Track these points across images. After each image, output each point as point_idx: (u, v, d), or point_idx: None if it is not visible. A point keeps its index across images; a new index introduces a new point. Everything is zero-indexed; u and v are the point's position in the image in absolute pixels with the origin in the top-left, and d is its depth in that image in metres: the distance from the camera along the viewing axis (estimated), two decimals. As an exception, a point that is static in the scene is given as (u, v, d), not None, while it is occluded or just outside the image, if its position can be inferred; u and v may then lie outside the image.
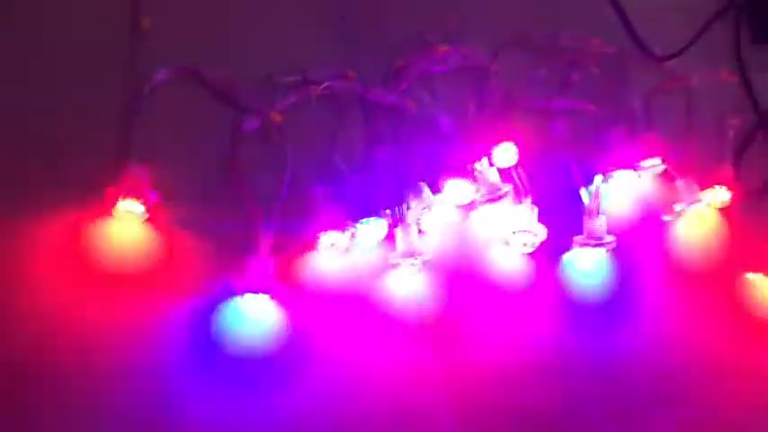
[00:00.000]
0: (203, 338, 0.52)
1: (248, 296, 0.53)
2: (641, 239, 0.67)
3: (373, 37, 0.63)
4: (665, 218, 0.68)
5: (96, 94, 0.54)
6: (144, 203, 0.51)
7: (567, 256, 0.63)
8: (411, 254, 0.57)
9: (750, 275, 0.69)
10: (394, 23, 0.64)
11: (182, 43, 0.57)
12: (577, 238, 0.63)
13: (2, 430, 0.47)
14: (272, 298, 0.53)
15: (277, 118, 0.56)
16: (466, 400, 0.56)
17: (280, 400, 0.52)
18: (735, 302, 0.68)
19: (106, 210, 0.52)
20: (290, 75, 0.59)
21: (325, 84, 0.59)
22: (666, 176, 0.68)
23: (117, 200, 0.51)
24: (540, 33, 0.68)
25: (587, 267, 0.63)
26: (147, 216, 0.52)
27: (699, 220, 0.68)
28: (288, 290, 0.54)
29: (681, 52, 0.69)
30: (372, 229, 0.57)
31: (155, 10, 0.56)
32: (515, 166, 0.62)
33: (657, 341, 0.64)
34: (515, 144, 0.61)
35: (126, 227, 0.52)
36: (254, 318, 0.53)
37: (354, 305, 0.56)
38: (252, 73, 0.58)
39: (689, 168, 0.67)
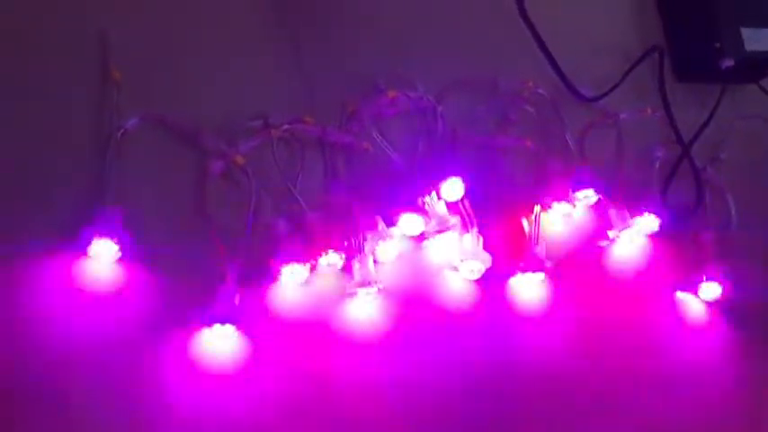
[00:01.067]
0: (176, 369, 0.56)
1: (216, 326, 0.57)
2: (579, 264, 0.73)
3: (329, 83, 0.68)
4: (601, 243, 0.74)
5: (69, 140, 0.58)
6: (117, 243, 0.55)
7: (512, 281, 0.69)
8: (367, 283, 0.61)
9: (680, 295, 0.76)
10: (346, 72, 0.69)
11: (150, 92, 0.61)
12: (521, 265, 0.69)
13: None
14: (237, 328, 0.57)
15: (240, 160, 0.61)
16: (419, 411, 0.61)
17: (244, 418, 0.56)
18: (667, 318, 0.75)
19: (81, 251, 0.55)
20: (251, 120, 0.63)
21: (285, 126, 0.63)
22: (600, 206, 0.74)
23: (91, 241, 0.54)
24: (479, 78, 0.73)
25: (529, 290, 0.69)
26: (119, 255, 0.56)
27: (630, 245, 0.75)
28: (253, 319, 0.58)
29: (607, 93, 0.76)
30: (330, 259, 0.61)
31: (123, 62, 0.60)
32: (461, 199, 0.68)
33: (596, 355, 0.69)
34: (461, 179, 0.66)
35: (100, 266, 0.56)
36: (220, 347, 0.57)
37: (315, 331, 0.60)
38: (216, 118, 0.62)
39: (620, 198, 0.74)
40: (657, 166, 0.78)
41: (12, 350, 0.52)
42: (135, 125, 0.59)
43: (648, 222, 0.74)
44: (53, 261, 0.54)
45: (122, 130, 0.58)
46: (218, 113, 0.63)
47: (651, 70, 0.82)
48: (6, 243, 0.54)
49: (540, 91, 0.74)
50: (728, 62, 0.78)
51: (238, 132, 0.62)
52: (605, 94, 0.76)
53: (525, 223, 0.70)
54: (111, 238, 0.55)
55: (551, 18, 0.77)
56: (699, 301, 0.76)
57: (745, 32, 0.78)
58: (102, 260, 0.55)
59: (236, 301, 0.57)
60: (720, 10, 0.79)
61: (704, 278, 0.75)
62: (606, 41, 0.82)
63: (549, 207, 0.72)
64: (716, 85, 0.82)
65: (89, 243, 0.54)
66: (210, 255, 0.58)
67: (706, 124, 0.80)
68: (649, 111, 0.79)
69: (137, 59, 0.61)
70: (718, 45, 0.78)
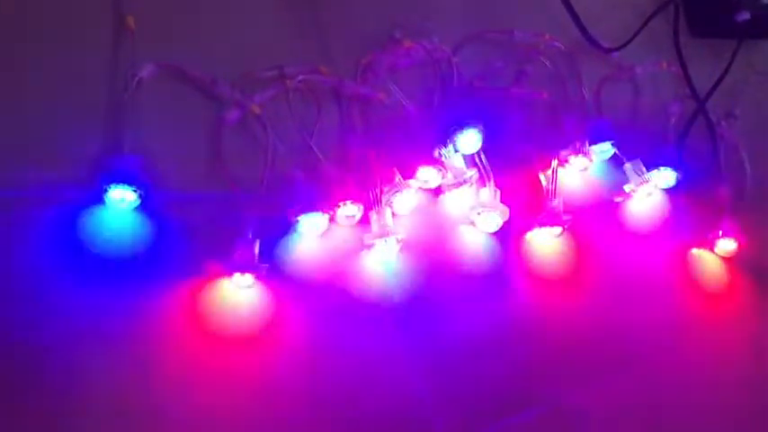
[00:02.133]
0: (194, 319, 0.56)
1: (235, 276, 0.57)
2: (595, 218, 0.73)
3: (344, 35, 0.67)
4: (617, 199, 0.74)
5: (84, 89, 0.57)
6: (136, 190, 0.55)
7: (528, 235, 0.69)
8: (385, 234, 0.61)
9: (695, 251, 0.76)
10: (362, 23, 0.69)
11: (164, 41, 0.60)
12: (537, 219, 0.69)
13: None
14: (256, 277, 0.57)
15: (256, 109, 0.60)
16: (437, 370, 0.61)
17: (260, 376, 0.56)
18: (683, 274, 0.75)
19: (99, 198, 0.55)
20: (267, 70, 0.63)
21: (300, 77, 0.63)
22: (616, 160, 0.74)
23: (109, 187, 0.54)
24: (495, 31, 0.73)
25: (546, 244, 0.69)
26: (138, 203, 0.56)
27: (646, 200, 0.75)
28: (271, 269, 0.58)
29: (625, 45, 0.76)
30: (347, 211, 0.61)
31: (137, 9, 0.59)
32: (478, 152, 0.67)
33: (612, 310, 0.69)
34: (478, 131, 0.66)
35: (118, 213, 0.56)
36: (240, 296, 0.57)
37: (332, 283, 0.61)
38: (231, 69, 0.62)
39: (635, 152, 0.74)
40: (673, 120, 0.78)
41: (31, 299, 0.52)
42: (150, 73, 0.59)
43: (665, 177, 0.74)
44: (71, 209, 0.54)
45: (137, 78, 0.58)
46: (233, 64, 0.62)
47: (666, 25, 0.81)
48: (24, 191, 0.54)
49: (557, 44, 0.74)
50: (745, 15, 0.78)
51: (254, 83, 0.62)
52: (623, 46, 0.76)
53: (542, 178, 0.69)
54: (130, 184, 0.54)
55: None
56: (715, 256, 0.76)
57: (762, -14, 0.78)
58: (120, 207, 0.55)
59: (255, 250, 0.57)
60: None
61: (720, 233, 0.75)
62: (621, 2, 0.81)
63: (566, 161, 0.72)
64: (731, 40, 0.82)
65: (107, 190, 0.54)
66: (228, 204, 0.58)
67: (721, 79, 0.79)
68: (665, 65, 0.79)
69: (152, 7, 0.60)
70: (734, -2, 0.78)
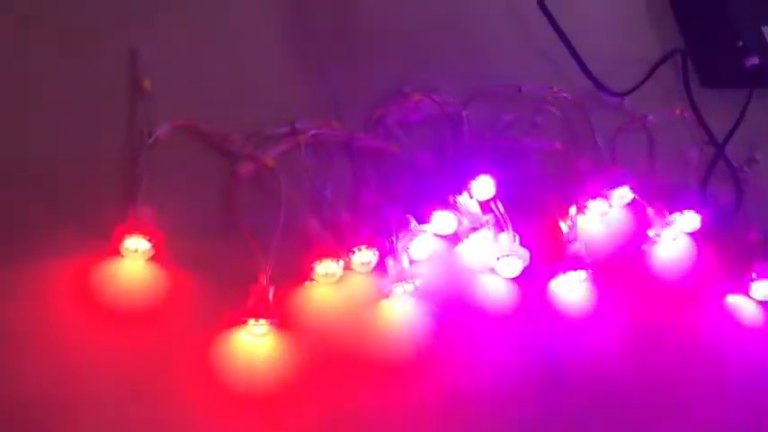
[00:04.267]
0: (210, 369, 0.55)
1: (250, 322, 0.56)
2: (621, 264, 0.72)
3: (355, 93, 0.70)
4: (643, 246, 0.73)
5: (101, 146, 0.60)
6: (150, 240, 0.56)
7: (552, 282, 0.68)
8: (402, 280, 0.61)
9: (731, 298, 0.74)
10: (371, 79, 0.72)
11: (180, 102, 0.63)
12: (560, 264, 0.68)
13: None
14: (271, 324, 0.57)
15: (270, 163, 0.62)
16: (462, 424, 0.59)
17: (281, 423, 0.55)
18: (718, 319, 0.73)
19: (114, 249, 0.56)
20: (279, 126, 0.65)
21: (312, 132, 0.65)
22: (636, 206, 0.74)
23: (124, 238, 0.55)
24: (504, 85, 0.75)
25: (572, 291, 0.68)
26: (152, 253, 0.57)
27: (674, 244, 0.74)
28: (286, 316, 0.58)
29: (635, 89, 0.77)
30: (362, 257, 0.61)
31: (153, 71, 0.63)
32: (493, 199, 0.68)
33: (645, 358, 0.67)
34: (492, 177, 0.67)
35: (133, 264, 0.56)
36: (257, 343, 0.57)
37: (349, 332, 0.60)
38: (244, 126, 0.64)
39: (656, 197, 0.74)
40: (693, 167, 0.78)
41: (46, 352, 0.52)
42: (166, 132, 0.61)
43: (689, 220, 0.73)
44: (87, 261, 0.55)
45: (154, 137, 0.60)
46: (246, 121, 0.65)
47: (675, 76, 0.83)
48: (41, 243, 0.55)
49: (565, 95, 0.76)
50: (753, 60, 0.80)
51: (266, 139, 0.64)
52: (632, 90, 0.78)
53: (562, 224, 0.69)
54: (144, 234, 0.56)
55: (568, 32, 0.80)
56: (750, 300, 0.74)
57: (766, 31, 0.80)
58: (135, 258, 0.56)
59: (270, 296, 0.57)
60: (739, 10, 0.81)
61: (754, 276, 0.74)
62: (626, 52, 0.84)
63: (585, 207, 0.72)
64: (742, 89, 0.83)
65: (121, 240, 0.55)
66: (242, 256, 0.58)
67: (737, 125, 0.80)
68: (678, 111, 0.80)
69: (167, 70, 0.63)
70: (740, 43, 0.80)
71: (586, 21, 0.81)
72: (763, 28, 0.80)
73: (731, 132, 0.80)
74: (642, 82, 0.78)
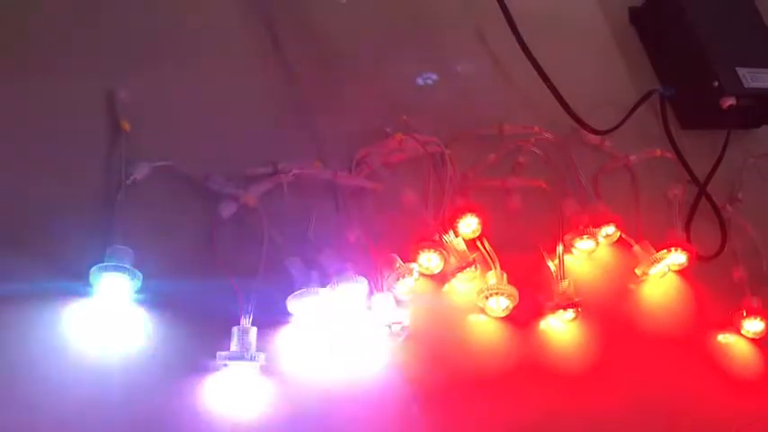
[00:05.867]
0: (192, 411, 0.53)
1: (233, 365, 0.55)
2: (609, 302, 0.71)
3: (338, 132, 0.70)
4: (630, 285, 0.73)
5: (80, 186, 0.59)
6: (130, 279, 0.54)
7: (542, 322, 0.67)
8: (389, 321, 0.60)
9: (721, 336, 0.74)
10: (353, 120, 0.72)
11: (159, 141, 0.63)
12: (549, 303, 0.67)
13: None
14: (256, 365, 0.55)
15: (252, 201, 0.61)
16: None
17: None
18: (709, 361, 0.72)
19: (93, 289, 0.55)
20: (261, 166, 0.65)
21: (295, 171, 0.65)
22: (622, 244, 0.74)
23: (102, 278, 0.54)
24: (485, 126, 0.76)
25: (560, 329, 0.67)
26: (132, 294, 0.55)
27: (661, 282, 0.74)
28: (270, 357, 0.56)
29: (616, 128, 0.78)
30: (348, 292, 0.60)
31: (133, 113, 0.62)
32: (480, 237, 0.68)
33: (636, 401, 0.66)
34: (478, 216, 0.67)
35: (112, 305, 0.55)
36: (240, 385, 0.55)
37: (335, 371, 0.58)
38: (225, 167, 0.63)
39: (641, 235, 0.74)
40: (677, 203, 0.79)
41: (21, 394, 0.50)
42: (144, 172, 0.60)
43: (676, 258, 0.74)
44: (64, 302, 0.54)
45: (132, 178, 0.59)
46: (227, 162, 0.64)
47: (652, 117, 0.85)
48: (17, 284, 0.53)
49: (548, 135, 0.77)
50: (730, 100, 0.81)
51: (248, 179, 0.64)
52: (615, 128, 0.79)
53: (549, 263, 0.69)
54: (123, 272, 0.54)
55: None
56: (742, 338, 0.74)
57: (741, 72, 0.82)
58: (113, 299, 0.55)
59: (253, 338, 0.56)
60: (714, 52, 0.83)
61: (744, 314, 0.74)
62: (602, 94, 0.85)
63: (572, 245, 0.72)
64: (721, 130, 0.84)
65: (99, 281, 0.54)
66: (224, 296, 0.57)
67: (717, 164, 0.81)
68: (659, 152, 0.81)
69: (146, 114, 0.63)
70: (716, 83, 0.81)
71: (563, 65, 0.82)
72: (737, 69, 0.82)
73: (712, 172, 0.81)
74: (623, 120, 0.80)
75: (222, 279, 0.58)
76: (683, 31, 0.86)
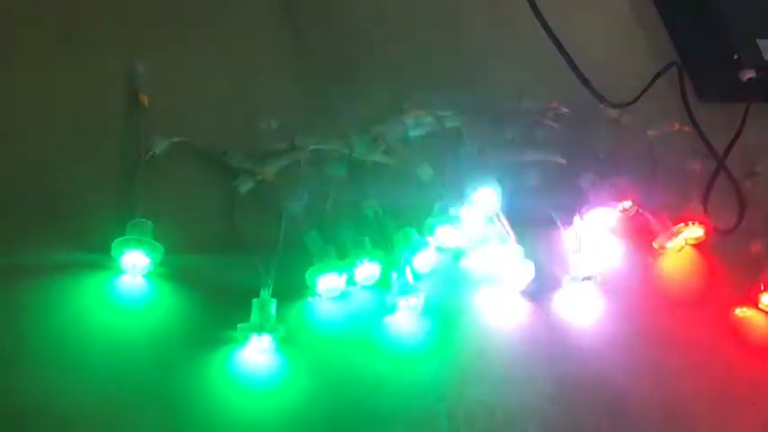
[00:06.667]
0: (213, 384, 0.54)
1: (253, 338, 0.56)
2: (626, 277, 0.72)
3: (355, 108, 0.70)
4: (649, 259, 0.73)
5: (99, 161, 0.60)
6: (149, 255, 0.55)
7: (557, 294, 0.67)
8: (407, 294, 0.61)
9: (739, 310, 0.74)
10: (372, 95, 0.72)
11: (178, 116, 0.63)
12: (566, 277, 0.68)
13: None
14: (275, 339, 0.56)
15: (269, 175, 0.62)
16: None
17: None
18: (727, 335, 0.72)
19: (112, 263, 0.56)
20: (278, 142, 0.65)
21: (312, 146, 0.65)
22: (640, 218, 0.74)
23: (123, 252, 0.55)
24: (502, 101, 0.76)
25: (578, 303, 0.68)
26: (152, 269, 0.56)
27: (678, 256, 0.74)
28: (290, 331, 0.57)
29: (635, 101, 0.78)
30: (367, 270, 0.61)
31: (151, 88, 0.63)
32: (496, 212, 0.68)
33: (653, 374, 0.66)
34: (495, 188, 0.67)
35: (131, 279, 0.56)
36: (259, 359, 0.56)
37: (353, 343, 0.59)
38: (242, 143, 0.64)
39: (660, 209, 0.74)
40: (695, 177, 0.78)
41: (39, 367, 0.51)
42: (163, 147, 0.61)
43: (693, 232, 0.74)
44: (84, 276, 0.55)
45: (152, 153, 0.60)
46: (244, 138, 0.65)
47: (670, 91, 0.84)
48: (38, 258, 0.55)
49: (564, 110, 0.76)
50: (749, 73, 0.81)
51: (265, 154, 0.64)
52: (633, 101, 0.78)
53: (566, 236, 0.69)
54: (143, 248, 0.55)
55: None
56: (761, 313, 0.74)
57: (762, 44, 0.81)
58: (133, 273, 0.56)
59: (273, 311, 0.56)
60: (733, 24, 0.82)
61: (762, 287, 0.73)
62: (620, 70, 0.85)
63: (589, 219, 0.72)
64: (740, 103, 0.84)
65: (121, 255, 0.55)
66: (243, 269, 0.58)
67: (736, 138, 0.81)
68: (677, 126, 0.81)
69: (166, 84, 0.63)
70: (736, 57, 0.81)
71: (579, 37, 0.81)
72: (758, 41, 0.81)
73: (731, 145, 0.80)
74: (642, 92, 0.79)
75: (242, 252, 0.59)
76: (702, 3, 0.85)
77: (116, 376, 0.53)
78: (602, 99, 0.77)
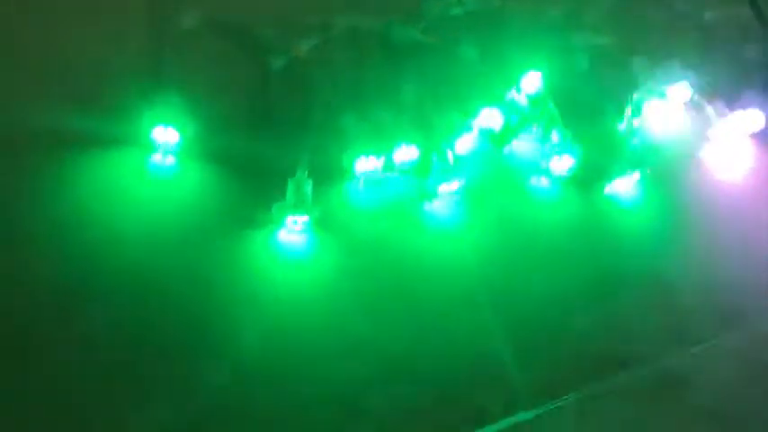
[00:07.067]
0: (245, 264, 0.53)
1: (289, 218, 0.54)
2: (681, 166, 0.68)
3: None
4: (705, 144, 0.69)
5: (128, 35, 0.57)
6: (180, 129, 0.53)
7: (607, 185, 0.64)
8: (446, 180, 0.58)
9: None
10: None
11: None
12: (616, 166, 0.64)
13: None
14: (310, 220, 0.54)
15: (302, 53, 0.59)
16: (521, 326, 0.55)
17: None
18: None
19: (143, 136, 0.54)
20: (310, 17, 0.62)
21: (347, 23, 0.62)
22: (695, 105, 0.70)
23: (153, 125, 0.53)
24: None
25: (629, 192, 0.65)
26: (181, 145, 0.54)
27: (735, 146, 0.70)
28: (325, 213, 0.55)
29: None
30: (404, 154, 0.58)
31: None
32: (544, 96, 0.64)
33: (709, 265, 0.63)
34: (541, 72, 0.63)
35: (162, 154, 0.54)
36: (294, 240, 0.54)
37: (390, 226, 0.57)
38: (274, 18, 0.61)
39: (716, 95, 0.70)
40: (751, 63, 0.73)
41: (78, 240, 0.50)
42: (193, 21, 0.58)
43: (752, 119, 0.69)
44: (115, 150, 0.53)
45: (181, 26, 0.57)
46: (277, 12, 0.61)
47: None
48: (78, 133, 0.53)
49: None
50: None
51: (299, 32, 0.61)
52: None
53: (617, 125, 0.65)
54: (173, 123, 0.53)
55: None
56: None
57: None
58: (164, 147, 0.54)
59: (309, 190, 0.54)
60: None
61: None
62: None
63: (642, 106, 0.68)
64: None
65: (151, 128, 0.53)
66: (279, 148, 0.56)
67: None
68: (734, 9, 0.75)
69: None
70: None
71: None
72: None
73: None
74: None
75: (277, 132, 0.56)
76: None
77: (148, 249, 0.51)
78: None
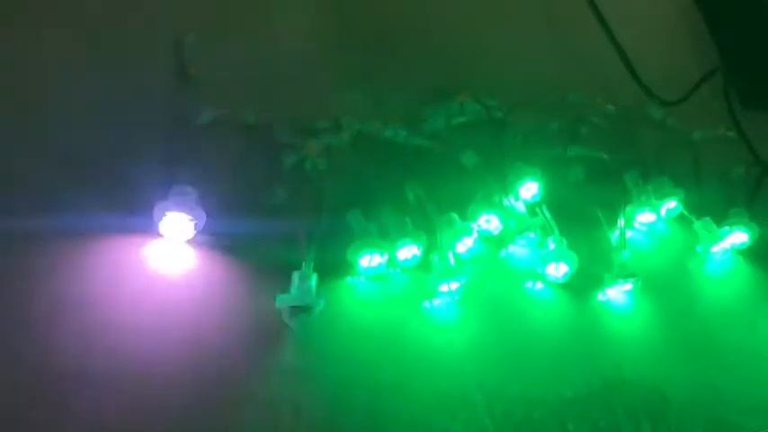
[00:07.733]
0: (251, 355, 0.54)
1: (293, 309, 0.55)
2: (669, 279, 0.70)
3: (399, 92, 0.70)
4: (695, 258, 0.72)
5: (145, 129, 0.60)
6: (191, 219, 0.55)
7: (599, 294, 0.66)
8: (447, 280, 0.60)
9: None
10: (417, 81, 0.72)
11: (224, 90, 0.63)
12: (608, 275, 0.66)
13: None
14: (313, 312, 0.55)
15: (314, 151, 0.62)
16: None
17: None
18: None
19: (154, 227, 0.55)
20: (322, 121, 0.65)
21: (356, 127, 0.65)
22: (683, 220, 0.73)
23: (163, 215, 0.55)
24: (548, 93, 0.75)
25: (620, 301, 0.67)
26: (193, 233, 0.56)
27: (722, 262, 0.73)
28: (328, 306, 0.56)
29: (683, 101, 0.78)
30: (408, 251, 0.60)
31: (199, 59, 0.63)
32: (539, 204, 0.67)
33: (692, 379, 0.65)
34: (539, 182, 0.66)
35: (173, 244, 0.56)
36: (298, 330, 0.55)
37: (391, 330, 0.58)
38: (287, 120, 0.64)
39: (704, 212, 0.73)
40: (739, 182, 0.77)
41: (79, 328, 0.51)
42: (209, 118, 0.61)
43: (738, 237, 0.72)
44: (126, 239, 0.54)
45: (197, 123, 0.60)
46: (289, 116, 0.64)
47: (715, 97, 0.83)
48: (81, 221, 0.54)
49: (610, 107, 0.76)
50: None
51: (310, 133, 0.64)
52: (682, 100, 0.78)
53: (609, 235, 0.68)
54: (186, 213, 0.55)
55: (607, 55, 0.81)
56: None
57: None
58: (175, 237, 0.55)
59: (313, 284, 0.56)
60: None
61: (807, 297, 0.72)
62: (663, 72, 0.84)
63: (632, 218, 0.71)
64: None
65: (162, 218, 0.54)
66: (284, 242, 0.57)
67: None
68: (723, 129, 0.80)
69: (213, 57, 0.64)
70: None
71: (621, 38, 0.81)
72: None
73: (776, 152, 0.79)
74: (690, 93, 0.78)
75: (283, 226, 0.58)
76: (750, 7, 0.85)
77: (155, 336, 0.52)
78: (650, 94, 0.76)
